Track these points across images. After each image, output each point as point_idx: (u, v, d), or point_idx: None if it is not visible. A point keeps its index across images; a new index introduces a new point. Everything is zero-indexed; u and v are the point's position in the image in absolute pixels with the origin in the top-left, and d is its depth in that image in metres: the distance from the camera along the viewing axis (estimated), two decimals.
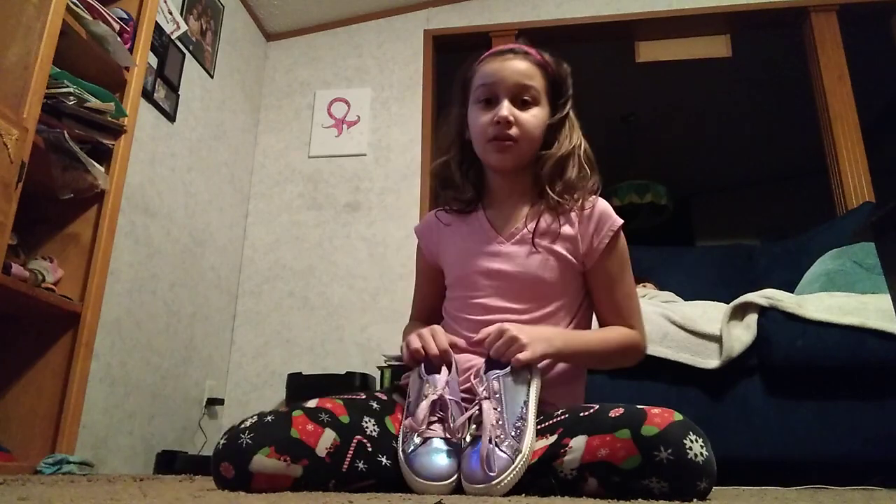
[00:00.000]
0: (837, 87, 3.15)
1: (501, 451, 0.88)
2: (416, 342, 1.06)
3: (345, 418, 1.00)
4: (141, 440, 2.44)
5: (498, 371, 0.97)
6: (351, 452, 0.96)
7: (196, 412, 2.85)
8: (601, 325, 1.22)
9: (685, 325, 1.80)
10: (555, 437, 0.93)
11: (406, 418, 1.00)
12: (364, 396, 1.09)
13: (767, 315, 1.78)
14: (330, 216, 3.32)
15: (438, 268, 1.29)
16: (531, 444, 0.92)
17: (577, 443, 0.89)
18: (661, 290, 2.54)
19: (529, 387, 0.97)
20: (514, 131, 1.15)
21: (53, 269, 1.84)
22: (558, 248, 1.16)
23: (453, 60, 3.89)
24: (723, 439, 1.74)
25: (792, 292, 1.98)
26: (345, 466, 0.95)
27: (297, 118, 3.55)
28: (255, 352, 3.16)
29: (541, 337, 1.03)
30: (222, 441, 0.93)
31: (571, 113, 1.23)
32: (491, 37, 3.54)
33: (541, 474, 0.92)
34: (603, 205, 1.20)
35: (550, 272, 1.15)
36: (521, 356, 0.97)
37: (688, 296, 2.30)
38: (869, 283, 1.97)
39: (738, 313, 1.79)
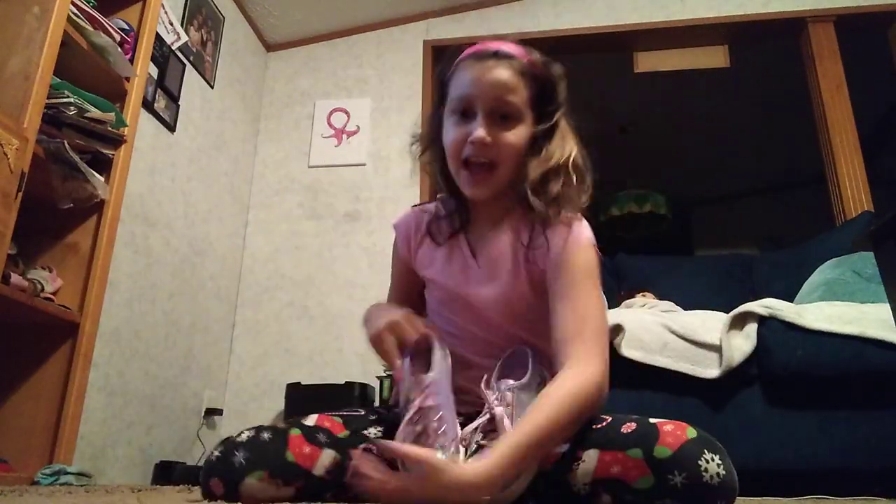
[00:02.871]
0: (835, 96, 3.16)
1: None
2: (388, 339, 0.96)
3: (343, 434, 0.98)
4: (139, 450, 2.43)
5: (511, 381, 0.93)
6: (351, 466, 0.92)
7: (195, 422, 2.84)
8: (554, 351, 0.97)
9: (685, 335, 1.79)
10: (566, 445, 0.90)
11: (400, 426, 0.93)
12: (363, 412, 1.07)
13: (767, 324, 1.78)
14: (329, 226, 3.32)
15: (413, 268, 1.17)
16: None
17: (590, 456, 0.87)
18: (660, 299, 2.54)
19: None
20: (490, 154, 1.01)
21: (52, 278, 1.84)
22: (532, 265, 1.05)
23: None
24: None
25: (791, 302, 1.98)
26: (347, 477, 0.92)
27: (297, 128, 3.56)
28: (254, 362, 3.15)
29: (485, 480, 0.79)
30: (216, 454, 0.90)
31: (563, 122, 1.08)
32: None
33: (554, 485, 0.90)
34: (577, 222, 1.04)
35: (531, 298, 1.05)
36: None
37: (687, 305, 2.30)
38: (868, 292, 1.97)
39: (738, 323, 1.79)
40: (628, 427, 0.87)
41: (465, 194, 1.07)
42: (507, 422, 0.87)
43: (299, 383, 2.78)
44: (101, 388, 2.22)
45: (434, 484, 0.75)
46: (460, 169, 1.04)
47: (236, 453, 0.89)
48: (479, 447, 0.88)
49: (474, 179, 1.03)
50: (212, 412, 2.91)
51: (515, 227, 1.07)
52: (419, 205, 1.21)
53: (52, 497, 1.09)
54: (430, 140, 1.13)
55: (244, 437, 0.92)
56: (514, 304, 1.05)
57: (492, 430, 0.88)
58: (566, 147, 1.06)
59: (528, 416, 0.86)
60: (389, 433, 0.98)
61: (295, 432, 0.94)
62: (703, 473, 0.79)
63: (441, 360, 0.96)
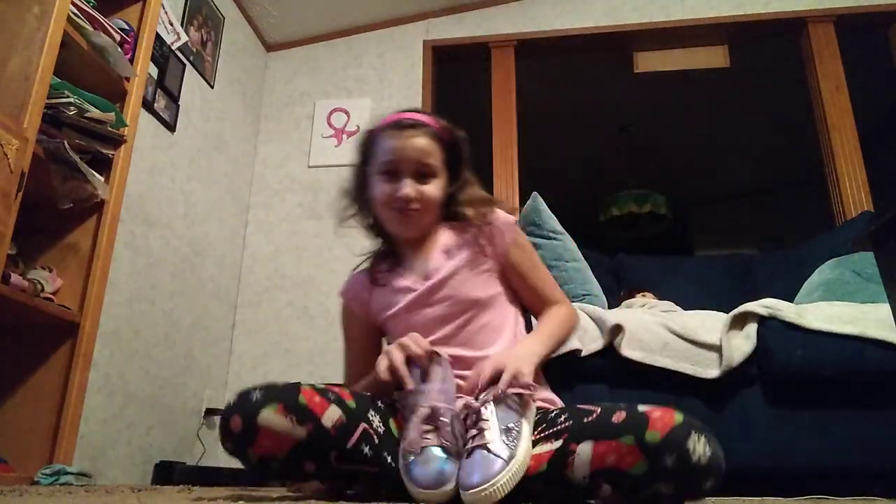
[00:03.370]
0: (835, 96, 3.17)
1: (495, 455, 0.89)
2: (396, 354, 1.07)
3: (351, 403, 1.02)
4: (139, 450, 2.43)
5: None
6: (358, 435, 0.99)
7: (194, 422, 2.84)
8: (535, 314, 1.34)
9: (685, 335, 1.79)
10: (560, 441, 0.95)
11: (405, 431, 1.01)
12: (369, 394, 1.12)
13: (767, 324, 1.77)
14: (329, 226, 3.32)
15: (371, 323, 1.36)
16: (527, 450, 0.93)
17: (584, 448, 0.91)
18: (660, 299, 2.54)
19: (528, 406, 1.01)
20: (416, 205, 1.23)
21: (52, 278, 1.84)
22: (474, 261, 1.26)
23: (453, 71, 3.92)
24: (723, 449, 1.73)
25: (791, 302, 1.97)
26: (350, 443, 0.98)
27: (297, 128, 3.56)
28: (254, 362, 3.15)
29: (523, 357, 1.11)
30: (232, 399, 0.96)
31: (469, 174, 1.32)
32: (490, 47, 3.56)
33: (553, 482, 0.93)
34: (499, 214, 1.29)
35: (480, 287, 1.24)
36: (522, 378, 1.02)
37: (687, 305, 2.29)
38: (868, 292, 1.97)
39: (738, 323, 1.79)
40: (619, 416, 0.92)
41: (395, 234, 1.30)
42: (489, 420, 0.94)
43: (299, 383, 2.77)
44: (100, 388, 2.22)
45: (503, 358, 1.06)
46: (390, 213, 1.25)
47: (252, 393, 0.96)
48: (469, 449, 0.93)
49: (403, 220, 1.25)
50: (212, 412, 2.91)
51: (447, 238, 1.29)
52: (356, 268, 1.40)
53: (52, 497, 1.09)
54: (359, 194, 1.34)
55: (258, 385, 0.99)
56: (459, 299, 1.22)
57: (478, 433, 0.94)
58: (476, 190, 1.32)
59: (542, 326, 1.27)
60: (387, 427, 1.05)
61: (306, 386, 1.01)
62: (692, 455, 0.84)
63: (442, 373, 1.04)
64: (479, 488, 0.86)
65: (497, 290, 1.27)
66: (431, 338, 1.19)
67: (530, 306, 1.34)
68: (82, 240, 1.92)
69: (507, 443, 0.91)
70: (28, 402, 1.78)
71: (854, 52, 3.26)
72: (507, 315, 1.27)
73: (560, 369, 1.79)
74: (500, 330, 1.23)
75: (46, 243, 1.91)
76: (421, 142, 1.23)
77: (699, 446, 0.84)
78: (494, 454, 0.89)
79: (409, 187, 1.21)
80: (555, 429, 0.98)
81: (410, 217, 1.24)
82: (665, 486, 0.85)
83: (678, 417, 0.88)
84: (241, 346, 3.18)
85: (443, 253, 1.27)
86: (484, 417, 0.94)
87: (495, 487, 0.86)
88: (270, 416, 0.93)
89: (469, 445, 0.92)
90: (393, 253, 1.34)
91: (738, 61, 3.48)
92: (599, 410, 0.96)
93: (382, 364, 1.07)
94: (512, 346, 1.22)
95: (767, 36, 3.52)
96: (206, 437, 2.84)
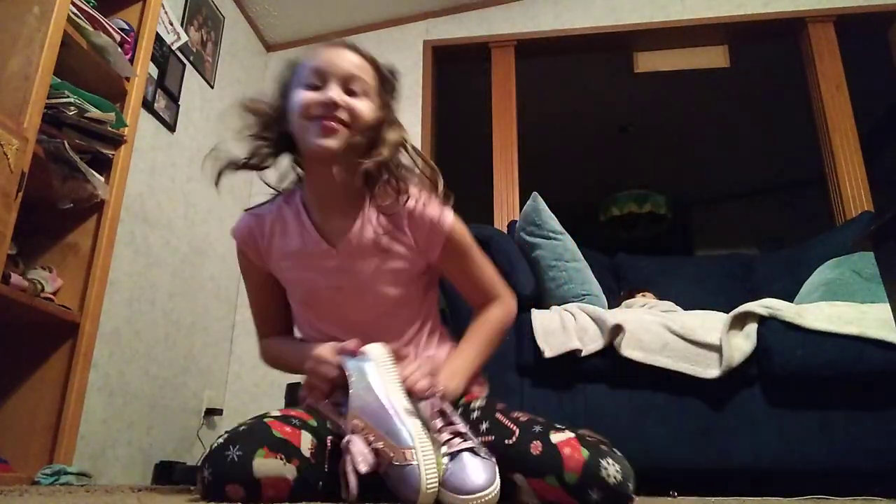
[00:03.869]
0: (835, 96, 3.17)
1: (483, 457, 0.89)
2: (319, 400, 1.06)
3: (312, 422, 0.99)
4: (139, 451, 2.43)
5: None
6: (327, 453, 0.96)
7: (195, 422, 2.84)
8: (471, 303, 1.26)
9: (685, 335, 1.79)
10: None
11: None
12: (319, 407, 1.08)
13: (767, 324, 1.78)
14: None
15: (271, 275, 1.24)
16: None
17: (520, 480, 0.92)
18: (660, 299, 2.54)
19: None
20: (343, 115, 1.06)
21: (52, 278, 1.84)
22: (395, 255, 1.14)
23: (453, 71, 3.91)
24: (723, 449, 1.73)
25: (791, 302, 1.97)
26: (326, 467, 0.94)
27: None
28: (254, 362, 3.15)
29: (454, 376, 1.11)
30: (208, 471, 0.87)
31: (396, 116, 1.18)
32: (490, 47, 3.56)
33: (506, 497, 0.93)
34: (429, 208, 1.13)
35: (393, 283, 1.15)
36: (451, 392, 1.06)
37: (687, 305, 2.29)
38: (868, 292, 1.97)
39: (738, 323, 1.79)
40: (536, 448, 0.92)
41: (312, 146, 1.08)
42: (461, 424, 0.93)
43: (299, 383, 2.77)
44: (101, 388, 2.22)
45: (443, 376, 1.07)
46: (310, 123, 1.07)
47: (228, 452, 0.87)
48: (449, 454, 0.90)
49: (325, 129, 1.05)
50: (212, 412, 2.91)
51: (370, 215, 1.14)
52: (252, 209, 1.25)
53: (53, 497, 1.09)
54: (271, 122, 1.15)
55: (224, 439, 0.90)
56: (372, 295, 1.15)
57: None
58: (402, 132, 1.15)
59: (472, 339, 1.18)
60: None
61: (269, 419, 0.95)
62: (609, 480, 0.87)
63: (357, 378, 0.98)
64: (484, 493, 0.85)
65: (415, 287, 1.18)
66: (330, 320, 1.17)
67: (467, 297, 1.25)
68: (82, 240, 1.92)
69: (480, 443, 0.92)
70: (28, 402, 1.78)
71: (854, 52, 3.26)
72: (417, 305, 1.20)
73: (560, 369, 1.80)
74: (411, 321, 1.19)
75: (46, 243, 1.91)
76: (353, 57, 1.11)
77: (610, 469, 0.87)
78: (482, 456, 0.88)
79: (336, 92, 1.06)
80: (479, 440, 0.95)
81: (333, 129, 1.05)
82: None
83: (584, 452, 0.89)
84: (241, 346, 3.18)
85: (360, 228, 1.13)
86: (455, 421, 0.93)
87: (497, 491, 0.86)
88: (264, 463, 0.86)
89: (452, 449, 0.89)
90: (299, 202, 1.19)
91: (738, 61, 3.48)
92: (518, 433, 0.95)
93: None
94: (418, 337, 1.19)
95: (767, 36, 3.52)
96: (206, 437, 2.84)
